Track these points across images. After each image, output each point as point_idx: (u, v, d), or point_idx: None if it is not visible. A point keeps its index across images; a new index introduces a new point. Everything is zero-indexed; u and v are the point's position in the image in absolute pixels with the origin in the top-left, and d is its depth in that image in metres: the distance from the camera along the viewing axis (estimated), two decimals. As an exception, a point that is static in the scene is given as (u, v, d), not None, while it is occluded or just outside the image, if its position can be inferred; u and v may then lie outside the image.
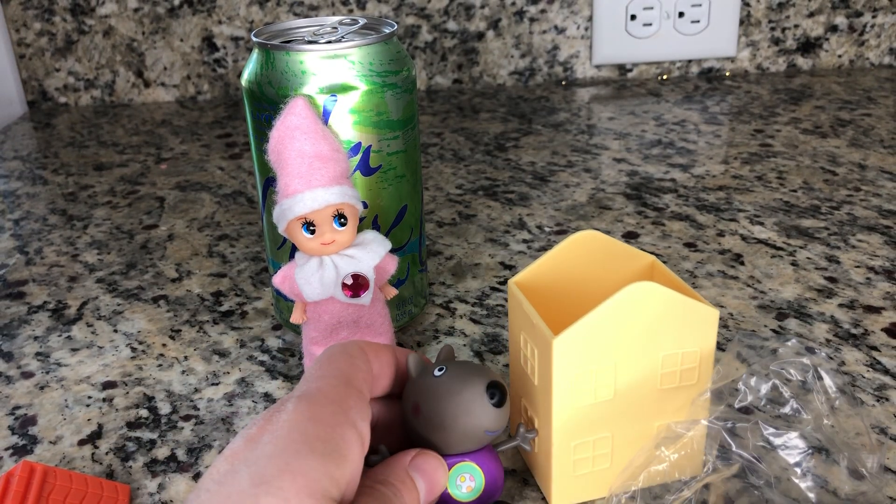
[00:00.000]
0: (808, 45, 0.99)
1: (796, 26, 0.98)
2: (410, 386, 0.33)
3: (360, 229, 0.40)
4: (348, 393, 0.28)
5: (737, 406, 0.33)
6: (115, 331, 0.51)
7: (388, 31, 0.44)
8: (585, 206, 0.65)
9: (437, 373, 0.32)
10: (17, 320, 0.53)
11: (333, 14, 0.95)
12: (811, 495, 0.31)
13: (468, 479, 0.33)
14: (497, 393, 0.31)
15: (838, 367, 0.44)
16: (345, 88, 0.41)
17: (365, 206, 0.44)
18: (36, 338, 0.50)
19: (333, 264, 0.39)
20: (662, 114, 0.87)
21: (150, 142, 0.86)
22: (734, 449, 0.32)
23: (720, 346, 0.45)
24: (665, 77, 1.00)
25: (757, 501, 0.32)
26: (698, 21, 0.96)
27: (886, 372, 0.43)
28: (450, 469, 0.32)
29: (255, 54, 0.43)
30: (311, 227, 0.38)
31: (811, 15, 0.97)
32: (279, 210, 0.38)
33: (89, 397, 0.44)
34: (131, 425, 0.42)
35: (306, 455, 0.25)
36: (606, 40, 0.97)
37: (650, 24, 0.96)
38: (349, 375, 0.29)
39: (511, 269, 0.56)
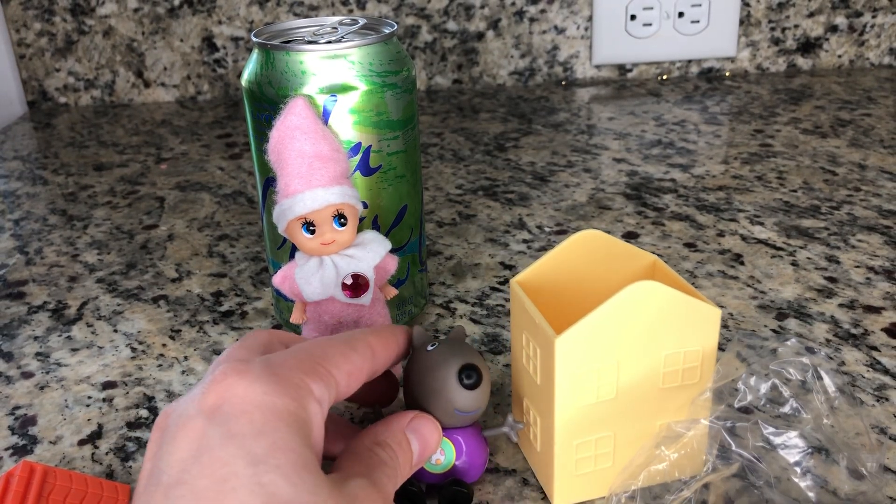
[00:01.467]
0: (808, 45, 0.99)
1: (796, 26, 0.98)
2: (409, 356, 0.35)
3: (360, 229, 0.40)
4: (314, 370, 0.28)
5: (737, 406, 0.33)
6: (115, 331, 0.51)
7: (388, 31, 0.44)
8: (585, 206, 0.65)
9: (429, 348, 0.34)
10: (17, 320, 0.53)
11: (333, 14, 0.95)
12: (811, 495, 0.31)
13: (439, 452, 0.34)
14: (473, 375, 0.32)
15: (838, 367, 0.44)
16: (345, 88, 0.41)
17: (365, 206, 0.44)
18: (36, 338, 0.50)
19: (333, 264, 0.39)
20: (662, 114, 0.87)
21: (150, 142, 0.86)
22: (734, 448, 0.32)
23: (720, 347, 0.45)
24: (665, 77, 1.00)
25: (757, 501, 0.32)
26: (698, 21, 0.96)
27: (886, 372, 0.43)
28: None
29: (255, 54, 0.43)
30: (311, 227, 0.38)
31: (811, 15, 0.97)
32: (279, 210, 0.38)
33: (89, 397, 0.44)
34: (131, 425, 0.42)
35: (286, 430, 0.25)
36: (606, 40, 0.97)
37: (650, 24, 0.96)
38: (325, 358, 0.29)
39: (511, 269, 0.56)
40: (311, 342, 0.30)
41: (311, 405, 0.27)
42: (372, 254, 0.39)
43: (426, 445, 0.32)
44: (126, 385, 0.45)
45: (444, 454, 0.34)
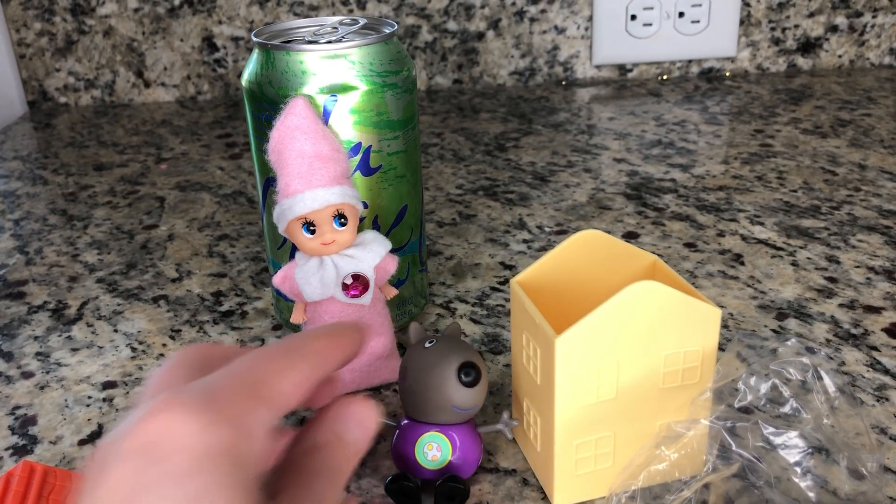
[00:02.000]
0: (808, 45, 0.99)
1: (796, 26, 0.98)
2: (406, 352, 0.35)
3: (360, 229, 0.40)
4: (256, 392, 0.26)
5: (737, 406, 0.33)
6: (115, 331, 0.51)
7: (388, 31, 0.44)
8: (585, 206, 0.65)
9: (427, 345, 0.35)
10: (17, 320, 0.52)
11: (333, 14, 0.95)
12: (811, 495, 0.31)
13: (435, 448, 0.35)
14: (472, 372, 0.33)
15: (838, 367, 0.44)
16: (345, 88, 0.41)
17: (365, 206, 0.44)
18: (36, 338, 0.50)
19: (333, 264, 0.39)
20: (662, 114, 0.87)
21: (150, 142, 0.86)
22: (734, 448, 0.32)
23: (720, 347, 0.45)
24: (665, 77, 1.00)
25: (757, 501, 0.32)
26: (698, 21, 0.96)
27: (886, 372, 0.43)
28: (421, 436, 0.35)
29: (255, 54, 0.43)
30: (312, 227, 0.38)
31: (811, 15, 0.97)
32: (279, 210, 0.38)
33: (89, 397, 0.44)
34: (131, 425, 0.42)
35: (224, 467, 0.22)
36: (606, 40, 0.97)
37: (650, 24, 0.96)
38: (268, 376, 0.27)
39: (511, 269, 0.56)
40: (252, 356, 0.28)
41: (253, 432, 0.25)
42: (372, 254, 0.39)
43: (365, 429, 0.29)
44: (126, 385, 0.45)
45: (440, 451, 0.35)
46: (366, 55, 0.42)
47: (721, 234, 0.59)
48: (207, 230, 0.64)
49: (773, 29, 0.98)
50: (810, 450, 0.32)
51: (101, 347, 0.49)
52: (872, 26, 0.98)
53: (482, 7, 0.95)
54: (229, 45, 0.97)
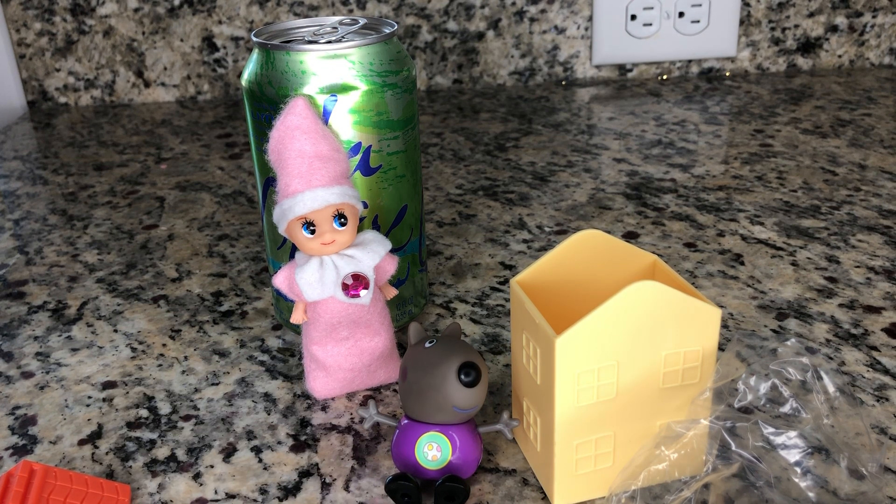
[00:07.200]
0: (808, 45, 0.99)
1: (796, 26, 0.98)
2: (406, 352, 0.36)
3: (360, 229, 0.40)
4: None
5: (737, 406, 0.33)
6: (115, 331, 0.51)
7: (388, 31, 0.44)
8: (585, 206, 0.65)
9: (427, 344, 0.35)
10: (17, 320, 0.53)
11: (333, 14, 0.95)
12: (811, 495, 0.31)
13: (435, 448, 0.35)
14: (472, 372, 0.33)
15: (838, 367, 0.44)
16: (345, 88, 0.41)
17: (365, 206, 0.44)
18: (36, 338, 0.50)
19: (333, 264, 0.39)
20: (662, 114, 0.87)
21: (150, 142, 0.86)
22: (734, 448, 0.32)
23: (720, 347, 0.45)
24: (665, 77, 1.00)
25: (757, 501, 0.32)
26: (698, 21, 0.96)
27: (886, 372, 0.43)
28: (421, 436, 0.35)
29: (255, 54, 0.43)
30: (312, 227, 0.38)
31: (811, 15, 0.97)
32: (279, 210, 0.38)
33: (89, 397, 0.44)
34: (131, 425, 0.42)
35: None
36: (606, 40, 0.97)
37: (650, 24, 0.96)
38: None
39: (511, 269, 0.56)
40: None
41: None
42: (372, 254, 0.39)
43: None
44: (126, 385, 0.45)
45: (440, 451, 0.35)
46: (366, 55, 0.42)
47: (721, 234, 0.59)
48: (207, 230, 0.64)
49: (773, 29, 0.98)
50: (810, 450, 0.32)
51: (101, 347, 0.49)
52: (872, 26, 0.98)
53: (482, 7, 0.95)
54: (229, 45, 0.97)
